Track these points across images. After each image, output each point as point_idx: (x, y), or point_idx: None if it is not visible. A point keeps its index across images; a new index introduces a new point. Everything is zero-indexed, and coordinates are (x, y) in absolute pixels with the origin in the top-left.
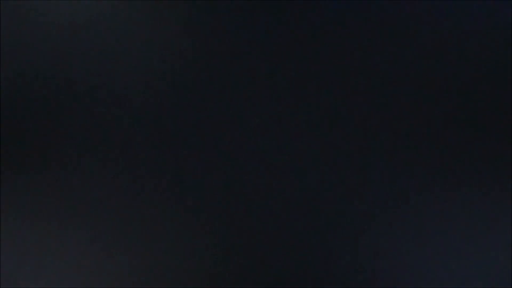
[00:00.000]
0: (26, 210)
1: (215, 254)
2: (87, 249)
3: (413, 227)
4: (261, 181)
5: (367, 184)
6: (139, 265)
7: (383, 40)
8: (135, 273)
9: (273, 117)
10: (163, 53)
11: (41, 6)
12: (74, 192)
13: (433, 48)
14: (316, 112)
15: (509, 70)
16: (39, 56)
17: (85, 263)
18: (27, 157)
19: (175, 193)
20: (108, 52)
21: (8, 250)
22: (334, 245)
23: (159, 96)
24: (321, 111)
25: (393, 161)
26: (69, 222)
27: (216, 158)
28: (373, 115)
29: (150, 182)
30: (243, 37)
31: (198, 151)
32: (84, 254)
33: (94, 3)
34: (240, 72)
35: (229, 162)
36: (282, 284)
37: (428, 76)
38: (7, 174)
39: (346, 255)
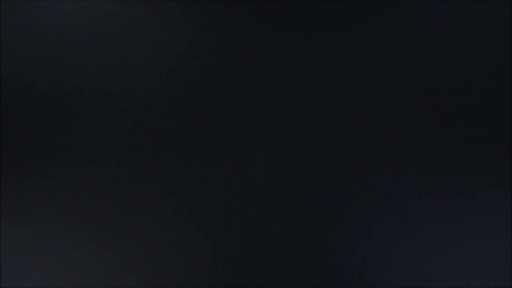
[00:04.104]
0: (26, 210)
1: (215, 254)
2: (88, 249)
3: (413, 227)
4: (261, 182)
5: (366, 184)
6: (139, 265)
7: (383, 41)
8: (135, 273)
9: (274, 118)
10: (164, 53)
11: (41, 6)
12: (74, 192)
13: (433, 48)
14: (316, 114)
15: (509, 70)
16: (39, 56)
17: (85, 263)
18: (27, 157)
19: (175, 194)
20: (108, 52)
21: (8, 250)
22: (334, 247)
23: (160, 96)
24: (322, 112)
25: (393, 160)
26: (69, 222)
27: (217, 158)
28: (372, 116)
29: (150, 182)
30: (244, 38)
31: (199, 151)
32: (85, 254)
33: (95, 3)
34: (241, 73)
35: (230, 164)
36: (282, 285)
37: (430, 77)
38: (7, 174)
39: (346, 256)
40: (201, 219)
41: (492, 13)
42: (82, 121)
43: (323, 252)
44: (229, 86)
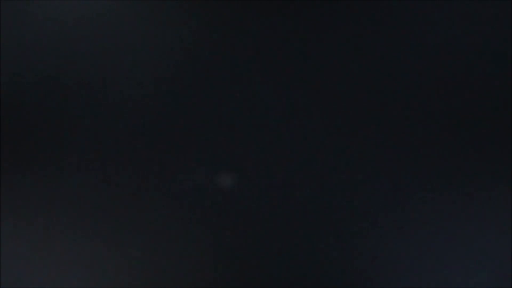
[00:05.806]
0: (26, 210)
1: (214, 254)
2: (87, 249)
3: (412, 227)
4: (261, 181)
5: (366, 184)
6: (139, 265)
7: (383, 40)
8: (135, 273)
9: (274, 118)
10: (164, 53)
11: (41, 6)
12: (74, 191)
13: (433, 49)
14: (315, 112)
15: (509, 70)
16: (39, 56)
17: (85, 263)
18: (27, 157)
19: (175, 194)
20: (108, 52)
21: (8, 250)
22: (334, 247)
23: (160, 96)
24: (322, 112)
25: (393, 161)
26: (69, 221)
27: (216, 158)
28: (372, 116)
29: (150, 182)
30: (243, 37)
31: (199, 151)
32: (85, 254)
33: (95, 3)
34: (240, 72)
35: (229, 163)
36: (282, 285)
37: (429, 78)
38: (7, 174)
39: (346, 256)
40: (201, 219)
41: (492, 13)
42: (82, 121)
43: (323, 252)
44: (228, 86)
